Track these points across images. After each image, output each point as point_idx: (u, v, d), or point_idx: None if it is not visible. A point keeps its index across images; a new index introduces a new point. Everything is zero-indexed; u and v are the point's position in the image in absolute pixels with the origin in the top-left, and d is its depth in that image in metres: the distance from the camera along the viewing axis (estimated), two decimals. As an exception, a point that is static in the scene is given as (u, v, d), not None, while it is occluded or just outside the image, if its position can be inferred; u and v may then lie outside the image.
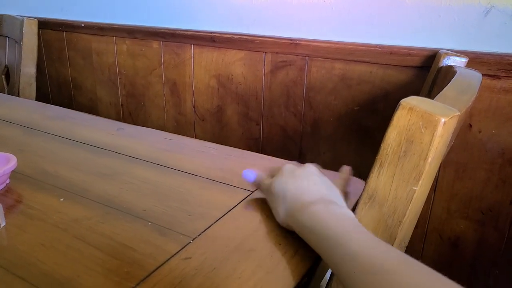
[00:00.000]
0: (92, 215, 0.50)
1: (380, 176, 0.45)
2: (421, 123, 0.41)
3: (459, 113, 0.42)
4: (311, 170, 0.52)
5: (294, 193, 0.48)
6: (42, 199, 0.54)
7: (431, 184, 0.49)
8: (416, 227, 0.98)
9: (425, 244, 1.00)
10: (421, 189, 0.44)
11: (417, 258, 1.05)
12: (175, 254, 0.43)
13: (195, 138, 1.30)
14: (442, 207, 0.96)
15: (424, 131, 0.41)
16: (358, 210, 0.48)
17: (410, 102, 0.42)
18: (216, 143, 0.75)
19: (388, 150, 0.44)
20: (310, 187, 0.48)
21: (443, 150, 0.46)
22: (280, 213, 0.48)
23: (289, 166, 0.53)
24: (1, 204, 0.47)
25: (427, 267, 0.36)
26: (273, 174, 0.54)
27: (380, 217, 0.46)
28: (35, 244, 0.44)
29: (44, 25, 1.51)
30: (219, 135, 1.25)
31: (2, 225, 0.47)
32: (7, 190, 0.56)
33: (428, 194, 0.85)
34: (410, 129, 0.42)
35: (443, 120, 0.40)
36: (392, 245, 0.46)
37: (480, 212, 0.92)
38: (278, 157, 0.79)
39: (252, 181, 0.56)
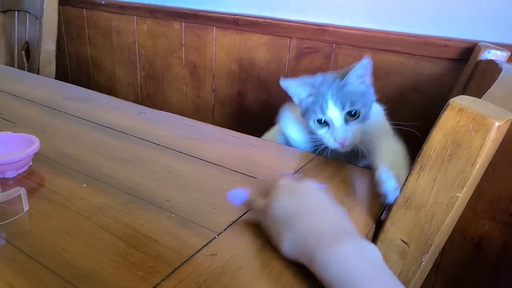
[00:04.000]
0: (115, 203, 0.49)
1: (419, 179, 0.43)
2: (471, 125, 0.38)
3: (512, 116, 0.39)
4: (311, 186, 0.44)
5: (304, 221, 0.39)
6: (65, 183, 0.53)
7: (473, 189, 0.46)
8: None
9: (447, 243, 0.97)
10: (464, 196, 0.41)
11: (437, 256, 1.01)
12: (200, 249, 0.42)
13: (214, 123, 1.28)
14: (468, 206, 0.92)
15: (474, 134, 0.38)
16: (392, 213, 0.46)
17: (460, 102, 0.39)
18: (235, 129, 0.73)
19: (431, 152, 0.41)
20: (320, 211, 0.40)
21: (492, 154, 0.43)
22: (285, 242, 0.39)
23: (286, 183, 0.44)
24: (24, 188, 0.46)
25: None
26: (266, 192, 0.45)
27: (416, 222, 0.44)
28: (58, 232, 0.43)
29: (64, 1, 1.49)
30: (238, 121, 1.23)
31: (25, 210, 0.46)
32: (30, 172, 0.55)
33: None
34: (458, 132, 0.39)
35: (497, 124, 0.37)
36: (427, 252, 0.44)
37: (508, 214, 0.89)
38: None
39: (241, 202, 0.47)
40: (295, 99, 0.67)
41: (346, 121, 0.62)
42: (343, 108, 0.61)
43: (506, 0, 0.78)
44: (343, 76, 0.63)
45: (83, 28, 1.52)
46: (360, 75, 0.63)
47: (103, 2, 1.41)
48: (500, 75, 0.53)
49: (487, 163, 0.45)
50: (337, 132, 0.61)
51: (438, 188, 0.41)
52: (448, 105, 0.39)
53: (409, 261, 0.46)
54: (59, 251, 0.40)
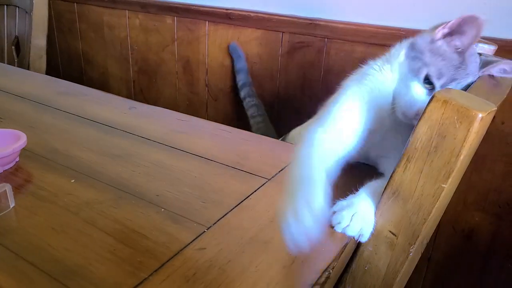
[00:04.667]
0: (104, 199, 0.49)
1: (406, 171, 0.43)
2: (456, 117, 0.38)
3: (496, 108, 0.39)
4: None
5: None
6: (53, 179, 0.53)
7: (459, 180, 0.46)
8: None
9: (437, 235, 0.98)
10: (449, 187, 0.41)
11: (427, 248, 1.02)
12: (189, 243, 0.42)
13: (207, 118, 1.27)
14: (458, 198, 0.93)
15: (458, 126, 0.38)
16: (380, 204, 0.46)
17: (445, 94, 0.39)
18: (229, 124, 0.73)
19: (417, 144, 0.41)
20: None
21: (476, 146, 0.43)
22: None
23: None
24: (9, 184, 0.46)
25: None
26: None
27: (404, 213, 0.44)
28: (45, 228, 0.43)
29: (54, -5, 1.48)
30: (232, 116, 1.23)
31: (11, 206, 0.46)
32: (17, 168, 0.55)
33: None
34: (443, 124, 0.39)
35: (480, 115, 0.37)
36: (415, 243, 0.44)
37: (497, 206, 0.89)
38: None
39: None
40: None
41: None
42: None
43: (495, -7, 0.78)
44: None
45: (74, 22, 1.51)
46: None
47: (93, -4, 1.39)
48: (487, 67, 0.53)
49: (472, 154, 0.46)
50: None
51: (425, 179, 0.42)
52: (433, 97, 0.39)
53: (397, 253, 0.46)
54: (45, 247, 0.40)
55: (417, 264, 1.02)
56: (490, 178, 0.88)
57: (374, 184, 0.50)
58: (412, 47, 0.54)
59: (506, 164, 0.86)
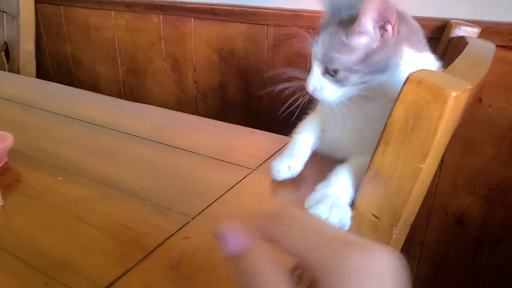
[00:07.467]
0: (90, 195, 0.49)
1: (385, 153, 0.43)
2: (430, 97, 0.38)
3: (471, 87, 0.40)
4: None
5: None
6: (41, 178, 0.53)
7: (438, 161, 0.47)
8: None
9: (430, 220, 0.99)
10: (428, 167, 0.42)
11: (420, 233, 1.03)
12: (174, 233, 0.43)
13: (197, 114, 1.28)
14: (448, 182, 0.94)
15: (433, 106, 0.38)
16: (362, 188, 0.47)
17: (419, 75, 0.39)
18: (218, 119, 0.74)
19: (394, 126, 0.42)
20: None
21: (453, 125, 0.44)
22: None
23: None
24: (-3, 184, 0.46)
25: None
26: (269, 234, 0.22)
27: (385, 195, 0.45)
28: (33, 225, 0.44)
29: (41, -1, 1.47)
30: (221, 111, 1.23)
31: (0, 205, 0.46)
32: (5, 169, 0.55)
33: (434, 170, 0.83)
34: (418, 104, 0.39)
35: (453, 94, 0.37)
36: (397, 224, 0.45)
37: (487, 188, 0.90)
38: (280, 134, 0.77)
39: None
40: None
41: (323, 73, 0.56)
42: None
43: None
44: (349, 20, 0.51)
45: (61, 25, 1.50)
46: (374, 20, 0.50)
47: (79, -2, 1.39)
48: (465, 49, 0.54)
49: (450, 134, 0.46)
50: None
51: (403, 161, 0.42)
52: (407, 78, 0.39)
53: (381, 235, 0.47)
54: (32, 243, 0.41)
55: (410, 249, 1.03)
56: (479, 161, 0.89)
57: (353, 162, 0.51)
58: None
59: (494, 146, 0.87)
